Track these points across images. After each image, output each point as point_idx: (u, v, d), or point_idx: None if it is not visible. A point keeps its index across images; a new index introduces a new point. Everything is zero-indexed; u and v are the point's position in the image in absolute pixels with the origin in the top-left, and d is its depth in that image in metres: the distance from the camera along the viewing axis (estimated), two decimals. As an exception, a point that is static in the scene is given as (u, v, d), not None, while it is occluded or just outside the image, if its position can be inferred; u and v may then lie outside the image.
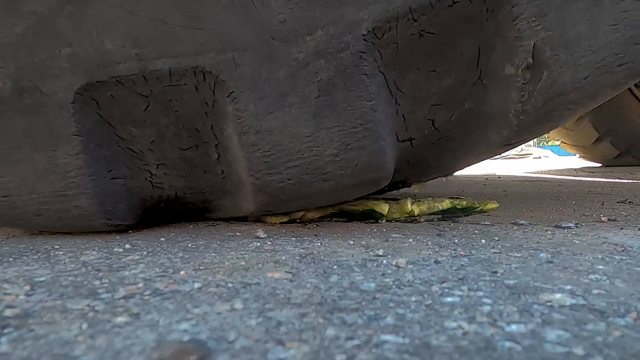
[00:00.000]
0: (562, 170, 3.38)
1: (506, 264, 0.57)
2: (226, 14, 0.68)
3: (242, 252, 0.65)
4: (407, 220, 0.93)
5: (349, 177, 0.73)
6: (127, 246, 0.70)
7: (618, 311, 0.40)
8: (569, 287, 0.47)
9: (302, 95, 0.70)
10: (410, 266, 0.57)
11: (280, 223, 0.91)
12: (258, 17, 0.68)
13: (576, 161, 4.61)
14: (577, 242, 0.71)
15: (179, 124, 0.75)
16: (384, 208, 0.91)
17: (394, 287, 0.48)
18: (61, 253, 0.66)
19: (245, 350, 0.33)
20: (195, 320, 0.39)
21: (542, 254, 0.62)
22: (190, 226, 0.90)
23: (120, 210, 0.77)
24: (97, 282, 0.50)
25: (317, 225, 0.88)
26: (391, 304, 0.42)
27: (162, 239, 0.76)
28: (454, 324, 0.37)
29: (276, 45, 0.69)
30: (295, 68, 0.69)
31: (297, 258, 0.61)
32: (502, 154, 2.58)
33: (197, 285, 0.49)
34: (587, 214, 1.03)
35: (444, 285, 0.48)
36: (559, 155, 7.95)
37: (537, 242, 0.71)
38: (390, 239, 0.74)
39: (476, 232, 0.81)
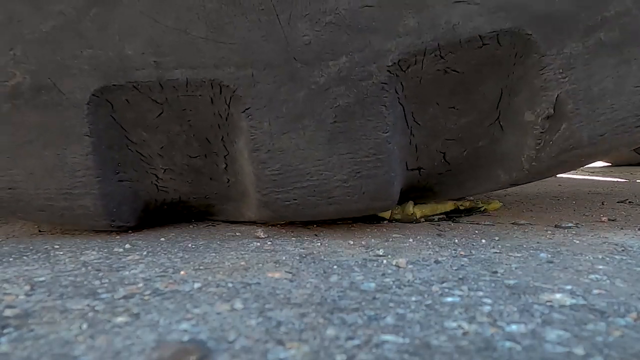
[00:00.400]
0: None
1: (506, 264, 0.57)
2: (251, 31, 0.68)
3: (242, 252, 0.65)
4: (408, 221, 0.93)
5: (355, 203, 0.73)
6: (127, 246, 0.70)
7: (618, 311, 0.40)
8: (569, 287, 0.47)
9: (318, 119, 0.70)
10: (410, 266, 0.56)
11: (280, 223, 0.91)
12: (283, 36, 0.68)
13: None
14: (577, 242, 0.71)
15: (191, 133, 0.76)
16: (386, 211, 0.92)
17: (394, 287, 0.48)
18: (61, 253, 0.66)
19: (245, 350, 0.33)
20: (195, 320, 0.39)
21: (542, 254, 0.62)
22: (190, 226, 0.90)
23: (124, 212, 0.78)
24: (97, 282, 0.50)
25: (317, 225, 0.88)
26: (391, 304, 0.42)
27: (162, 239, 0.76)
28: (454, 324, 0.37)
29: (298, 66, 0.69)
30: (314, 91, 0.69)
31: (297, 258, 0.61)
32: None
33: (197, 285, 0.49)
34: (587, 214, 1.03)
35: (444, 285, 0.48)
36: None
37: (537, 242, 0.71)
38: (391, 239, 0.74)
39: (476, 232, 0.81)
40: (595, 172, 2.94)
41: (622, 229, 0.82)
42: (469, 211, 0.99)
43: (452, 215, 0.97)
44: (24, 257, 0.63)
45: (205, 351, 0.33)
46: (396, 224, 0.90)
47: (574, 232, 0.80)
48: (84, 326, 0.38)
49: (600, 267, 0.55)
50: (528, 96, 0.73)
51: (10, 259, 0.62)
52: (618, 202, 1.24)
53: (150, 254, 0.65)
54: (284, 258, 0.61)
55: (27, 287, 0.48)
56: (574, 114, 0.71)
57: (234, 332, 0.36)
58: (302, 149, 0.71)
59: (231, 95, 0.70)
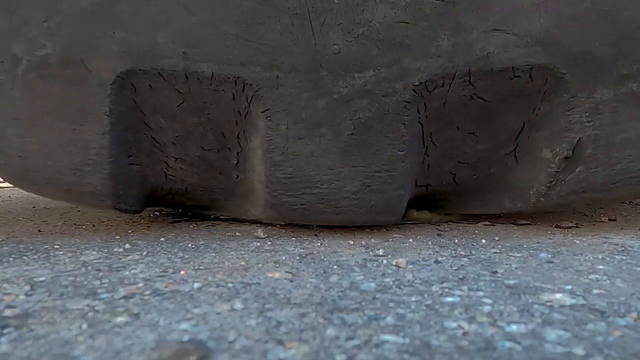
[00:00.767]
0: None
1: (506, 264, 0.57)
2: (282, 34, 0.68)
3: (242, 252, 0.65)
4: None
5: (361, 215, 0.73)
6: (127, 246, 0.70)
7: (618, 311, 0.40)
8: (569, 287, 0.47)
9: (336, 129, 0.70)
10: (410, 266, 0.56)
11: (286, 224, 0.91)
12: (313, 43, 0.68)
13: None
14: (578, 242, 0.71)
15: (208, 126, 0.76)
16: None
17: (394, 287, 0.48)
18: (61, 253, 0.66)
19: (245, 350, 0.33)
20: (195, 320, 0.39)
21: (542, 254, 0.62)
22: (190, 226, 0.90)
23: (130, 196, 0.77)
24: (97, 282, 0.50)
25: (317, 226, 0.88)
26: (391, 304, 0.42)
27: (162, 239, 0.76)
28: (454, 324, 0.37)
29: (324, 74, 0.69)
30: (336, 101, 0.69)
31: (297, 258, 0.61)
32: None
33: (197, 285, 0.49)
34: (587, 214, 1.03)
35: (444, 285, 0.48)
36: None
37: (537, 242, 0.71)
38: (390, 239, 0.74)
39: (476, 232, 0.81)
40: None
41: (622, 229, 0.82)
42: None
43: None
44: (24, 257, 0.63)
45: (205, 351, 0.33)
46: (396, 224, 0.90)
47: (574, 232, 0.80)
48: (84, 326, 0.38)
49: (600, 267, 0.55)
50: (549, 134, 0.73)
51: (10, 259, 0.62)
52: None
53: (150, 254, 0.65)
54: (284, 258, 0.61)
55: (27, 287, 0.48)
56: (591, 159, 0.71)
57: (234, 332, 0.36)
58: (316, 156, 0.71)
59: (253, 94, 0.70)
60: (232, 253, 0.65)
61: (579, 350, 0.33)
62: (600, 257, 0.61)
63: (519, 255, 0.62)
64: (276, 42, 0.68)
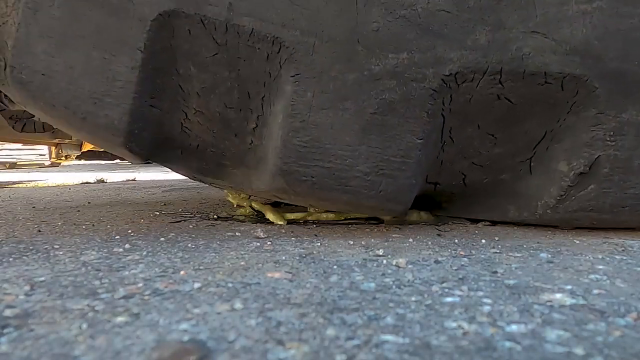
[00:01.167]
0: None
1: (506, 264, 0.57)
2: (327, 3, 0.68)
3: (242, 252, 0.65)
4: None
5: (369, 198, 0.73)
6: (127, 246, 0.70)
7: (618, 311, 0.40)
8: (569, 287, 0.47)
9: (360, 105, 0.70)
10: (410, 266, 0.57)
11: (287, 222, 0.91)
12: (355, 16, 0.68)
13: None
14: (578, 242, 0.71)
15: (236, 82, 0.75)
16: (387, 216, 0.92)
17: (394, 287, 0.48)
18: (61, 253, 0.66)
19: (245, 350, 0.33)
20: (195, 320, 0.39)
21: (542, 254, 0.62)
22: (190, 226, 0.90)
23: (143, 138, 0.76)
24: (97, 282, 0.50)
25: (317, 225, 0.88)
26: (391, 304, 0.42)
27: (162, 239, 0.76)
28: (454, 324, 0.37)
29: (359, 49, 0.69)
30: (365, 78, 0.69)
31: (297, 258, 0.61)
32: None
33: (197, 285, 0.49)
34: (587, 214, 1.02)
35: (444, 285, 0.48)
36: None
37: (537, 242, 0.71)
38: (390, 239, 0.74)
39: (476, 232, 0.81)
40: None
41: (622, 229, 0.82)
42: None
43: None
44: (24, 257, 0.63)
45: (205, 351, 0.33)
46: (396, 224, 0.90)
47: (574, 232, 0.80)
48: (84, 326, 0.38)
49: (600, 267, 0.55)
50: (569, 147, 0.73)
51: (10, 259, 0.62)
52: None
53: (150, 254, 0.65)
54: (284, 258, 0.61)
55: (27, 287, 0.48)
56: (606, 179, 0.71)
57: (234, 332, 0.36)
58: (336, 129, 0.70)
59: (287, 57, 0.70)
60: (232, 253, 0.65)
61: (579, 350, 0.33)
62: (600, 257, 0.61)
63: (519, 255, 0.62)
64: (320, 10, 0.68)
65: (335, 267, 0.56)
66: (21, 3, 0.71)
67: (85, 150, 2.44)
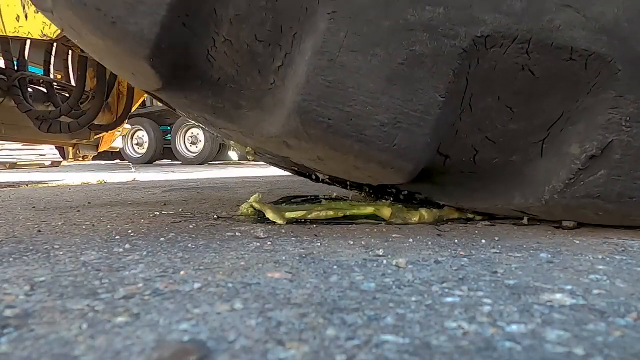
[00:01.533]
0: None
1: (506, 264, 0.57)
2: None
3: (242, 252, 0.65)
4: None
5: (382, 151, 0.72)
6: (127, 246, 0.70)
7: (618, 311, 0.40)
8: (569, 287, 0.47)
9: (389, 53, 0.69)
10: (410, 266, 0.57)
11: (286, 222, 0.91)
12: None
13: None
14: (578, 242, 0.71)
15: (270, 14, 0.74)
16: (386, 213, 0.92)
17: (394, 287, 0.48)
18: (61, 253, 0.66)
19: (245, 350, 0.33)
20: (195, 320, 0.39)
21: (542, 254, 0.62)
22: (190, 226, 0.90)
23: (166, 57, 0.75)
24: (97, 282, 0.50)
25: (317, 225, 0.88)
26: (391, 304, 0.42)
27: (162, 239, 0.76)
28: (454, 324, 0.37)
29: None
30: (399, 26, 0.69)
31: (297, 258, 0.61)
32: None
33: (197, 285, 0.49)
34: (587, 214, 1.02)
35: (444, 285, 0.48)
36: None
37: (537, 242, 0.71)
38: (390, 239, 0.74)
39: (476, 232, 0.81)
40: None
41: (622, 229, 0.82)
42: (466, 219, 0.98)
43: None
44: (24, 257, 0.63)
45: (205, 351, 0.33)
46: (396, 224, 0.90)
47: (574, 232, 0.80)
48: (84, 326, 0.38)
49: (600, 267, 0.55)
50: (583, 129, 0.72)
51: (10, 259, 0.62)
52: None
53: (150, 254, 0.65)
54: (283, 258, 0.61)
55: (27, 287, 0.48)
56: (616, 165, 0.70)
57: (234, 332, 0.36)
58: (361, 74, 0.70)
59: None
60: (232, 253, 0.65)
61: (579, 350, 0.33)
62: (600, 257, 0.61)
63: (519, 255, 0.62)
64: None
65: (335, 267, 0.56)
66: None
67: (102, 150, 2.44)
